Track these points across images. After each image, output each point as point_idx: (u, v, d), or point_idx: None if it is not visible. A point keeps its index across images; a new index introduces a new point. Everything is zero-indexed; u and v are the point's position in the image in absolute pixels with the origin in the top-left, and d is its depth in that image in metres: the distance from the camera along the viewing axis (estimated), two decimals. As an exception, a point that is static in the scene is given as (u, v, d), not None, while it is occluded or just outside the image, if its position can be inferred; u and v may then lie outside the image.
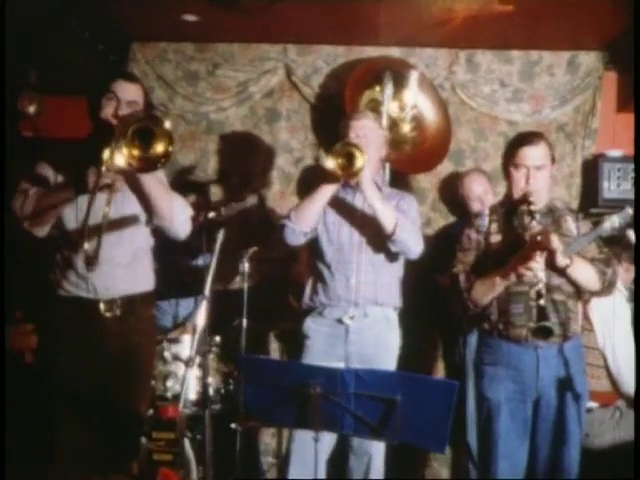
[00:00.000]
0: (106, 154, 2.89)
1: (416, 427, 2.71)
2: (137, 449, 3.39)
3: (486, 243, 3.36)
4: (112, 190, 3.04)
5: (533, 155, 3.26)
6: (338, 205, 3.80)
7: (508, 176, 3.35)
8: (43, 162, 3.22)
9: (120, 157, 2.85)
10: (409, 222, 3.68)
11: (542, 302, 3.05)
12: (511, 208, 3.36)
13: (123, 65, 5.01)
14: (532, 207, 3.18)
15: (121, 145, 2.83)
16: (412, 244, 3.66)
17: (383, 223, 3.59)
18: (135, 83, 3.25)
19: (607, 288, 3.33)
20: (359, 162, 3.46)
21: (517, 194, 3.30)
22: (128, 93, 3.16)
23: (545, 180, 3.31)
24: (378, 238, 3.69)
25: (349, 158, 3.49)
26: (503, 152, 3.44)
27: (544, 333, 3.04)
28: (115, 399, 3.20)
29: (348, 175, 3.50)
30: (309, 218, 3.67)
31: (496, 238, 3.35)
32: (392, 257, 3.78)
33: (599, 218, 3.33)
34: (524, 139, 3.32)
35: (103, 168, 2.91)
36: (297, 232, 3.67)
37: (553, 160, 3.37)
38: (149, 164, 2.91)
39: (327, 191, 3.64)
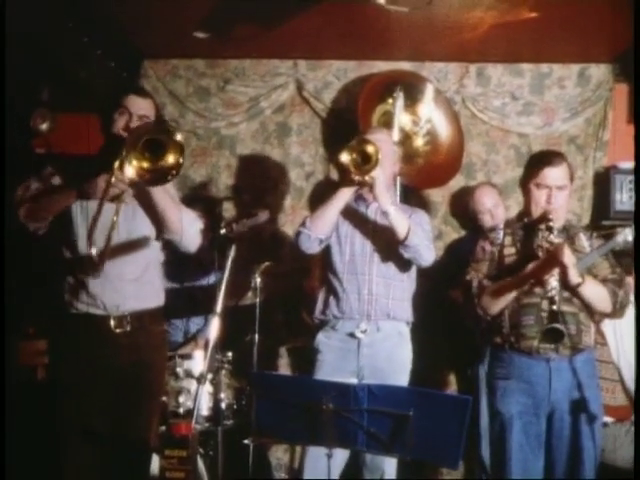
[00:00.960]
0: (116, 165, 2.90)
1: (429, 443, 2.70)
2: (147, 467, 3.38)
3: (499, 256, 3.36)
4: (120, 200, 3.05)
5: (556, 176, 3.27)
6: (350, 216, 3.80)
7: (527, 193, 3.35)
8: (52, 169, 3.24)
9: (130, 168, 2.86)
10: (421, 230, 3.68)
11: (555, 307, 3.04)
12: (528, 224, 3.35)
13: (135, 82, 5.04)
14: (551, 224, 3.18)
15: (131, 156, 2.85)
16: (424, 250, 3.65)
17: (396, 228, 3.59)
18: (147, 98, 3.27)
19: (619, 310, 3.30)
20: (373, 159, 3.47)
21: (537, 212, 3.30)
22: (140, 107, 3.18)
23: (565, 199, 3.32)
24: (390, 250, 3.69)
25: (363, 156, 3.50)
26: (524, 169, 3.44)
27: (554, 335, 3.00)
28: (126, 415, 3.21)
29: (361, 173, 3.51)
30: (324, 224, 3.67)
31: (510, 251, 3.35)
32: (404, 270, 3.78)
33: (611, 231, 3.32)
34: (547, 159, 3.32)
35: (113, 178, 2.93)
36: (312, 239, 3.67)
37: (572, 179, 3.38)
38: (159, 176, 2.92)
39: (343, 195, 3.64)
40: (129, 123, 3.13)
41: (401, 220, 3.61)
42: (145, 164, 2.87)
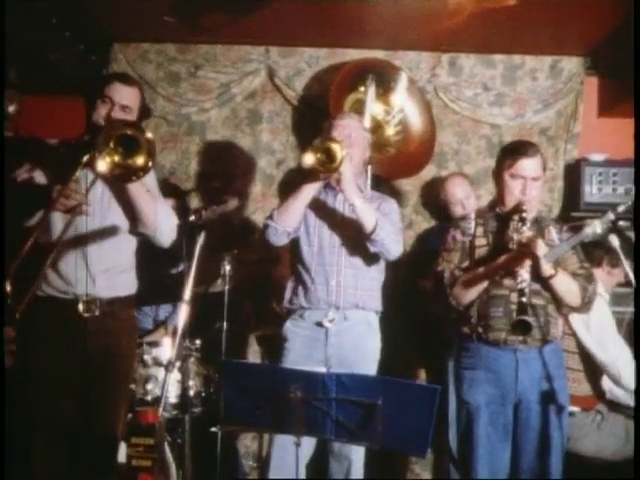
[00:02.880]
0: (85, 158, 2.88)
1: (397, 432, 2.69)
2: (115, 455, 3.35)
3: (470, 246, 3.36)
4: (76, 213, 3.01)
5: (531, 166, 3.27)
6: (318, 207, 3.78)
7: (500, 183, 3.35)
8: (27, 163, 3.19)
9: (102, 162, 2.84)
10: (389, 223, 3.66)
11: (524, 299, 3.05)
12: (501, 215, 3.36)
13: (104, 65, 4.98)
14: (524, 214, 3.19)
15: (103, 150, 2.83)
16: (391, 245, 3.63)
17: (363, 222, 3.57)
18: (133, 86, 3.23)
19: (586, 304, 3.33)
20: (338, 157, 3.44)
21: (510, 203, 3.30)
22: (123, 97, 3.14)
23: (538, 191, 3.34)
24: (358, 240, 3.67)
25: (328, 154, 3.47)
26: (497, 158, 3.44)
27: (523, 327, 3.01)
28: (94, 402, 3.18)
29: (327, 171, 3.48)
30: (292, 217, 3.65)
31: (481, 242, 3.35)
32: (372, 260, 3.77)
33: (581, 222, 3.33)
34: (523, 149, 3.32)
35: (72, 185, 2.92)
36: (280, 232, 3.65)
37: (545, 170, 3.39)
38: (127, 173, 2.91)
39: (310, 190, 3.62)
40: (110, 112, 3.10)
41: (368, 213, 3.58)
42: (117, 158, 2.87)
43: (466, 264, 3.34)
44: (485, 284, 3.24)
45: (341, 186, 3.55)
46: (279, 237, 3.66)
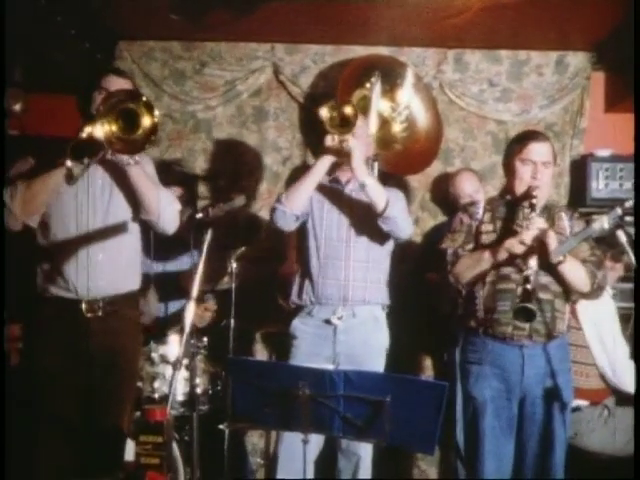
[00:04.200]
0: (88, 129, 2.87)
1: (405, 429, 2.70)
2: (121, 453, 3.36)
3: (477, 232, 3.35)
4: (73, 181, 2.99)
5: (541, 151, 3.27)
6: (325, 200, 3.77)
7: (511, 170, 3.34)
8: (29, 157, 3.20)
9: (100, 131, 2.84)
10: (399, 202, 3.66)
11: (529, 286, 3.03)
12: (510, 202, 3.35)
13: (110, 63, 4.97)
14: (534, 200, 3.18)
15: (103, 118, 2.84)
16: (403, 222, 3.62)
17: (374, 200, 3.55)
18: (125, 78, 3.29)
19: (596, 290, 3.32)
20: (352, 121, 3.44)
21: (521, 188, 3.29)
22: (119, 87, 3.15)
23: (549, 177, 3.33)
24: (366, 233, 3.67)
25: (342, 118, 3.46)
26: (506, 147, 3.44)
27: (525, 314, 3.00)
28: (99, 401, 3.18)
29: (339, 132, 3.46)
30: (300, 200, 3.62)
31: (487, 228, 3.35)
32: (380, 253, 3.76)
33: (590, 217, 3.33)
34: (532, 135, 3.35)
35: (68, 162, 2.88)
36: (288, 215, 3.62)
37: (555, 159, 3.38)
38: (129, 146, 2.92)
39: (320, 167, 3.60)
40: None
41: (379, 192, 3.56)
42: (115, 129, 2.87)
43: (470, 247, 3.33)
44: (487, 265, 3.22)
45: (352, 163, 3.53)
46: (287, 220, 3.64)
